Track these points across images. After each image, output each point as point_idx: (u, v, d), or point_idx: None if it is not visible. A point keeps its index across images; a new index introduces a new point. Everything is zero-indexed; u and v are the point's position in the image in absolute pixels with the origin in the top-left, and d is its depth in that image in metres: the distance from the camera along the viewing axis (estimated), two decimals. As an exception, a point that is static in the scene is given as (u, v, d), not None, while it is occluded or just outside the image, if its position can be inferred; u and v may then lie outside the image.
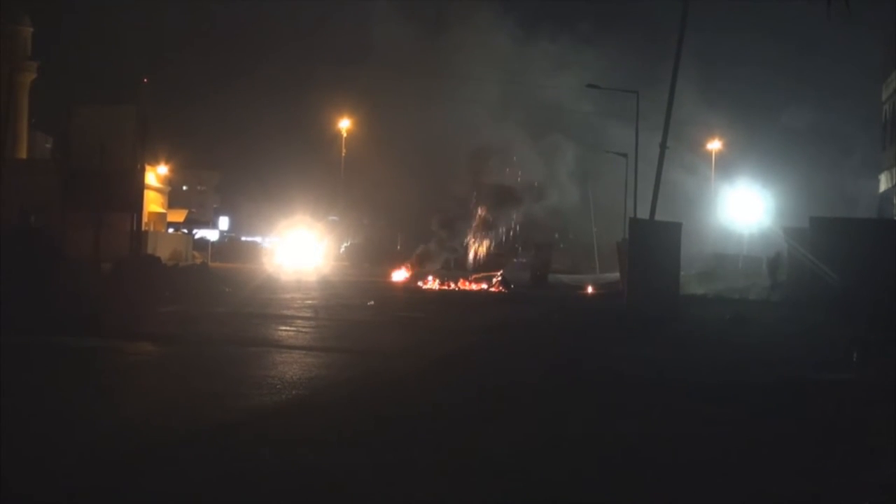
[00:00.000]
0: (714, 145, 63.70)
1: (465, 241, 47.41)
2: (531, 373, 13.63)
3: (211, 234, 69.17)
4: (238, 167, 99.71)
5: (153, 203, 56.37)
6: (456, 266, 46.64)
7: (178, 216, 65.43)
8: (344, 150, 79.37)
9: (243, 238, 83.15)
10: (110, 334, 15.85)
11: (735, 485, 7.51)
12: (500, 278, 39.66)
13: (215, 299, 25.01)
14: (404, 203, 56.68)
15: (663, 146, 26.11)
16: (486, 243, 47.42)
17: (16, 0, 55.18)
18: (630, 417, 10.12)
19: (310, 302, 26.43)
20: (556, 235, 68.36)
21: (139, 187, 30.75)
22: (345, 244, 74.21)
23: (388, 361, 14.45)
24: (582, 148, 57.56)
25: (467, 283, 39.85)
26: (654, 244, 25.03)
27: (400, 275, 43.40)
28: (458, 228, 47.07)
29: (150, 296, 22.83)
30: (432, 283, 39.87)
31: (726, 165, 64.45)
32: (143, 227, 42.17)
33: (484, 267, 43.59)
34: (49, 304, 18.57)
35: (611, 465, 8.03)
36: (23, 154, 55.50)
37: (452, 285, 39.50)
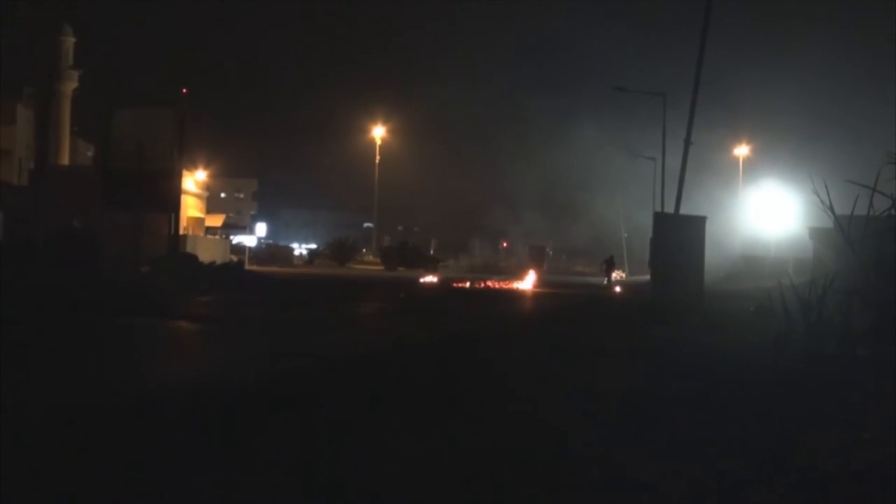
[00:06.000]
0: (742, 150, 63.72)
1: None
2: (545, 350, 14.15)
3: (248, 240, 70.22)
4: (275, 175, 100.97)
5: (191, 208, 57.30)
6: (485, 270, 47.08)
7: (216, 220, 66.42)
8: (378, 157, 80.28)
9: (281, 243, 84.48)
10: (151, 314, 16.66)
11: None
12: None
13: (250, 290, 25.84)
14: (438, 209, 57.31)
15: (687, 142, 26.51)
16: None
17: (60, 8, 56.64)
18: (637, 379, 10.56)
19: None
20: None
21: (177, 187, 31.37)
22: (379, 248, 75.12)
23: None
24: (612, 151, 57.78)
25: (496, 283, 40.40)
26: (678, 238, 25.38)
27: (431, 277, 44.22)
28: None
29: (186, 286, 23.63)
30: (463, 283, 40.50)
31: (754, 169, 64.45)
32: (182, 231, 42.98)
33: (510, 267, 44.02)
34: (89, 291, 19.47)
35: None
36: (65, 161, 56.62)
37: (483, 285, 40.06)
